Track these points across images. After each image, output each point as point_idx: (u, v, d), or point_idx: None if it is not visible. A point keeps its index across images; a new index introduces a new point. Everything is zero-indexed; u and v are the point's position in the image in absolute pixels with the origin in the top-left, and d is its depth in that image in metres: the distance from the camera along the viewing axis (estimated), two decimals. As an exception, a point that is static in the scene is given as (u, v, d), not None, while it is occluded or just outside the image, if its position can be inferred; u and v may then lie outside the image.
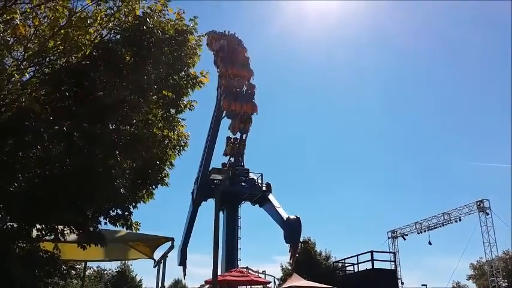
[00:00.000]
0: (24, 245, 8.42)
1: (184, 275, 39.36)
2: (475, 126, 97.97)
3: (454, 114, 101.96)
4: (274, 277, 43.81)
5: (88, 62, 7.03)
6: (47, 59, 7.27)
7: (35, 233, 7.71)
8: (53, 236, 7.88)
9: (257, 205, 33.64)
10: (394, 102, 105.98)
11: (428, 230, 38.91)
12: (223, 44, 32.65)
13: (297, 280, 21.94)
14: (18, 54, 7.14)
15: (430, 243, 39.09)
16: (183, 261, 38.06)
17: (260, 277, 27.59)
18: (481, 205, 35.20)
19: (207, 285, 25.99)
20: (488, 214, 34.95)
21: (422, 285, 55.57)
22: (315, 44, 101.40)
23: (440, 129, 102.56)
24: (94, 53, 7.11)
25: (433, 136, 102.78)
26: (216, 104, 34.46)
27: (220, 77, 31.85)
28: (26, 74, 7.17)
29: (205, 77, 8.16)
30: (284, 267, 44.50)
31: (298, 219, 30.40)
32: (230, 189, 29.71)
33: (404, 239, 41.67)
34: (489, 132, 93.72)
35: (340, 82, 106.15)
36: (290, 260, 31.18)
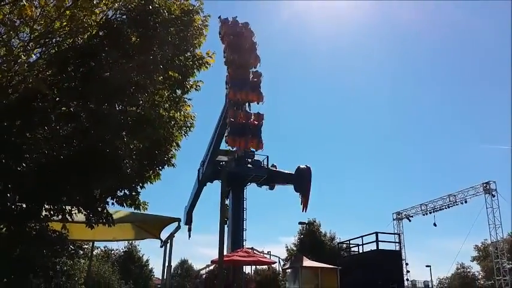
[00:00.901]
0: (34, 225, 8.55)
1: (189, 236, 40.79)
2: (482, 107, 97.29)
3: (461, 95, 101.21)
4: (279, 257, 44.32)
5: (94, 43, 7.01)
6: (54, 40, 7.25)
7: (43, 213, 7.82)
8: (61, 216, 7.98)
9: (263, 187, 33.79)
10: (400, 84, 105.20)
11: (433, 212, 39.01)
12: (229, 28, 31.80)
13: (301, 260, 22.13)
14: (25, 35, 7.12)
15: (435, 224, 39.24)
16: (188, 222, 39.54)
17: (265, 257, 27.89)
18: (487, 187, 35.17)
19: (213, 265, 26.30)
20: (494, 196, 34.96)
21: (427, 266, 56.16)
22: (322, 30, 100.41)
23: (447, 111, 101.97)
24: (100, 34, 7.09)
25: (439, 118, 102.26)
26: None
27: (226, 63, 31.07)
28: (33, 55, 7.15)
29: (211, 57, 8.11)
30: (289, 248, 44.95)
31: (308, 168, 30.98)
32: (236, 170, 29.80)
33: (410, 221, 41.85)
34: (496, 114, 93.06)
35: (347, 65, 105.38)
36: (303, 210, 31.57)
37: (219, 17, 31.62)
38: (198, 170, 35.71)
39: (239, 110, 28.57)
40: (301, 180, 31.45)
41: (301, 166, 31.76)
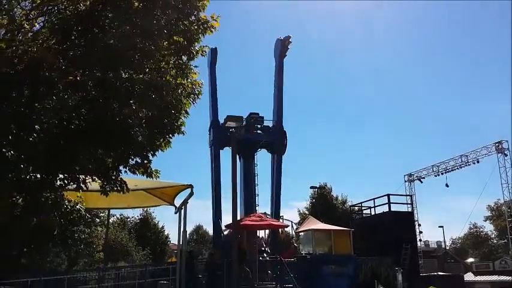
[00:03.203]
0: (49, 195, 8.68)
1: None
2: (493, 67, 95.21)
3: (472, 55, 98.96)
4: (292, 221, 44.89)
5: (97, 9, 6.88)
6: (56, 8, 7.15)
7: (58, 182, 7.92)
8: (75, 185, 8.09)
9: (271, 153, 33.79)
10: (411, 45, 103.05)
11: (445, 173, 38.78)
12: None
13: (313, 223, 22.34)
14: (27, 3, 7.03)
15: (447, 185, 39.06)
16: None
17: (278, 221, 28.22)
18: (500, 146, 34.77)
19: (227, 230, 26.75)
20: (506, 155, 34.59)
21: (439, 226, 56.64)
22: None
23: (459, 71, 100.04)
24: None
25: (451, 78, 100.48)
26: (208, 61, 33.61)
27: None
28: (36, 24, 7.08)
29: (216, 21, 7.93)
30: (301, 211, 45.43)
31: None
32: (245, 136, 29.80)
33: (421, 182, 41.70)
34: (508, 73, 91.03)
35: (357, 26, 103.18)
36: None
37: None
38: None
39: None
40: None
41: None
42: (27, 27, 6.49)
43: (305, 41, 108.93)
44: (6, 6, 6.57)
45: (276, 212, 31.28)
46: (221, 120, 31.21)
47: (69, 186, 8.18)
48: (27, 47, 6.72)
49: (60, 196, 9.06)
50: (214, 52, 33.45)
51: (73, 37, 6.91)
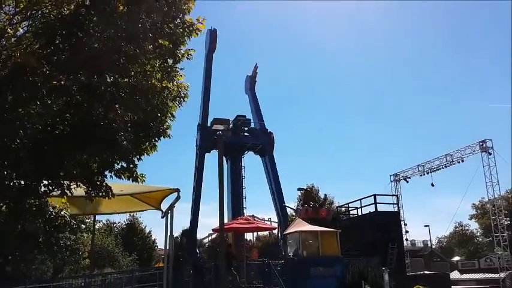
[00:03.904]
0: (33, 201, 8.56)
1: None
2: (477, 65, 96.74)
3: (458, 55, 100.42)
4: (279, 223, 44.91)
5: (81, 13, 6.82)
6: (40, 12, 7.07)
7: (42, 189, 7.82)
8: (60, 191, 7.99)
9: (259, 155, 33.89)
10: (396, 44, 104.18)
11: (430, 172, 39.16)
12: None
13: (301, 225, 22.38)
14: (10, 8, 6.94)
15: (432, 185, 39.43)
16: None
17: (266, 223, 28.24)
18: (484, 145, 35.25)
19: (215, 234, 26.67)
20: (490, 154, 35.08)
21: (425, 226, 57.12)
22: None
23: (444, 70, 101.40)
24: (86, 3, 6.89)
25: (435, 78, 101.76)
26: (205, 44, 33.60)
27: None
28: (20, 29, 7.00)
29: (201, 23, 7.90)
30: (289, 213, 45.49)
31: None
32: (233, 139, 29.80)
33: (407, 182, 42.05)
34: (493, 72, 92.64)
35: (343, 24, 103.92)
36: None
37: None
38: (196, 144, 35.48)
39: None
40: None
41: None
42: (11, 32, 6.41)
43: (282, 39, 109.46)
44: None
45: (281, 208, 31.07)
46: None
47: (54, 193, 8.08)
48: (11, 52, 6.63)
49: (44, 202, 8.93)
50: (213, 35, 32.88)
51: (57, 41, 6.83)
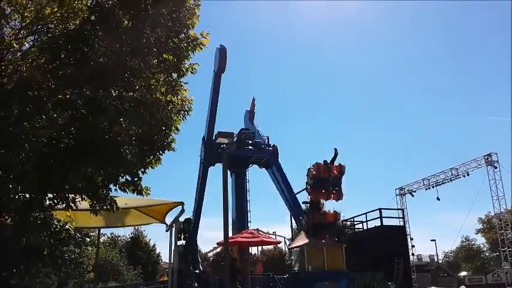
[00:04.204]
0: (38, 214, 8.59)
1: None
2: (483, 79, 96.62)
3: (463, 67, 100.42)
4: (285, 237, 44.68)
5: (86, 28, 6.93)
6: (45, 27, 7.18)
7: (47, 202, 7.85)
8: (65, 205, 8.01)
9: (263, 168, 33.84)
10: (400, 55, 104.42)
11: (436, 186, 39.00)
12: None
13: (306, 239, 22.25)
14: (16, 23, 7.05)
15: (438, 199, 39.28)
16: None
17: (270, 237, 28.10)
18: (489, 159, 35.10)
19: (220, 247, 26.55)
20: (496, 168, 34.91)
21: (432, 240, 56.62)
22: None
23: (449, 83, 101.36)
24: (92, 18, 7.00)
25: (440, 91, 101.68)
26: (215, 61, 33.38)
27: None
28: (25, 43, 7.09)
29: (205, 38, 8.02)
30: (294, 227, 45.25)
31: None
32: (237, 153, 29.84)
33: (413, 196, 41.87)
34: (496, 86, 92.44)
35: (345, 29, 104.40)
36: None
37: None
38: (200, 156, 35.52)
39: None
40: None
41: None
42: (16, 46, 6.50)
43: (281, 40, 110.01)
44: (-5, 26, 6.60)
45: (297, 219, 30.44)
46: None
47: (59, 206, 8.11)
48: (17, 66, 6.72)
49: (49, 216, 8.96)
50: (222, 53, 32.55)
51: (62, 56, 6.92)
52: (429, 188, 39.59)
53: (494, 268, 45.17)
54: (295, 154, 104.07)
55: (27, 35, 7.13)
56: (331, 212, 24.14)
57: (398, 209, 36.09)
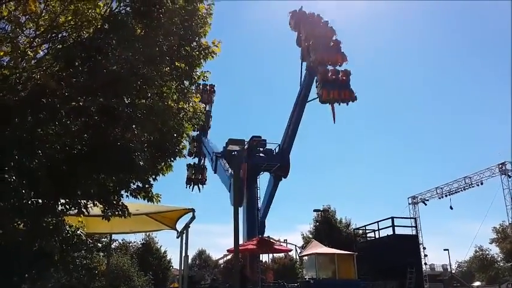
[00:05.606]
0: (50, 220, 8.68)
1: None
2: (497, 87, 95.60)
3: (476, 74, 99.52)
4: (296, 245, 44.46)
5: (100, 37, 7.02)
6: (59, 35, 7.30)
7: (59, 207, 7.92)
8: (77, 210, 8.08)
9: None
10: (411, 64, 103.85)
11: (449, 195, 38.62)
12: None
13: (317, 247, 22.15)
14: (31, 31, 7.18)
15: (451, 208, 38.88)
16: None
17: (282, 245, 27.99)
18: (503, 167, 34.67)
19: (230, 255, 26.53)
20: (510, 176, 34.45)
21: (445, 250, 55.85)
22: None
23: (463, 91, 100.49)
24: (105, 27, 7.09)
25: (453, 99, 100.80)
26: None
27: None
28: (40, 51, 7.21)
29: (217, 46, 8.08)
30: (305, 235, 45.02)
31: None
32: (248, 160, 29.83)
33: (425, 204, 41.52)
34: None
35: (355, 37, 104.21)
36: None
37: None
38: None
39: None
40: None
41: None
42: (31, 54, 6.60)
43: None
44: (11, 34, 6.70)
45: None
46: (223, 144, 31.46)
47: (71, 211, 8.18)
48: (31, 74, 6.82)
49: (61, 221, 9.05)
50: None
51: (76, 64, 7.02)
52: (442, 197, 39.23)
53: (509, 278, 44.40)
54: (304, 162, 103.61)
55: (42, 43, 7.24)
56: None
57: (410, 218, 35.75)
